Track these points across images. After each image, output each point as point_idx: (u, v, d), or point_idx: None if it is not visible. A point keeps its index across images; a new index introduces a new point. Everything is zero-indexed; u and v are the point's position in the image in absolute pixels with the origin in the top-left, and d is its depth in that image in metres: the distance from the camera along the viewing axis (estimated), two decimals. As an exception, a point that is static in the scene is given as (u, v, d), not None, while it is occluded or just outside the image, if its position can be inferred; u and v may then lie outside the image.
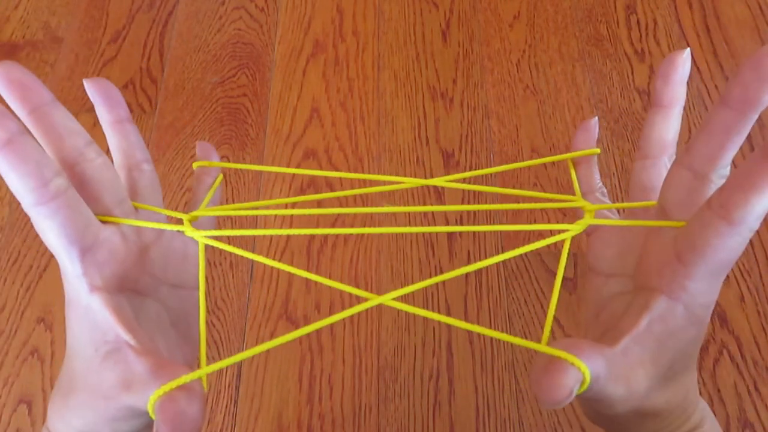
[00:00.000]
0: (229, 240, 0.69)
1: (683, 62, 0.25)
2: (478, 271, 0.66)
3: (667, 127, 0.26)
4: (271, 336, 0.64)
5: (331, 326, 0.64)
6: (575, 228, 0.25)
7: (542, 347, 0.21)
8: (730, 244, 0.20)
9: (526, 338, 0.63)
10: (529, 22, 0.83)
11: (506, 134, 0.75)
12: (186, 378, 0.21)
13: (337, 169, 0.73)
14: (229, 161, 0.74)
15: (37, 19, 0.85)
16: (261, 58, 0.82)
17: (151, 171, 0.28)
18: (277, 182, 0.72)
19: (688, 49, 0.25)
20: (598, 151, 0.30)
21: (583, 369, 0.20)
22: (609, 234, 0.27)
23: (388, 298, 0.23)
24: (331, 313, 0.65)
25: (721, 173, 0.22)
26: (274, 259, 0.68)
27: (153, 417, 0.21)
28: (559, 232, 0.25)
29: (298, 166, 0.74)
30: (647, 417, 0.23)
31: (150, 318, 0.26)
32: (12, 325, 0.65)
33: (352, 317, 0.64)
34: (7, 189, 0.72)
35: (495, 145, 0.74)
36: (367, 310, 0.64)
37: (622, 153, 0.73)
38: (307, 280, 0.66)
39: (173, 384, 0.21)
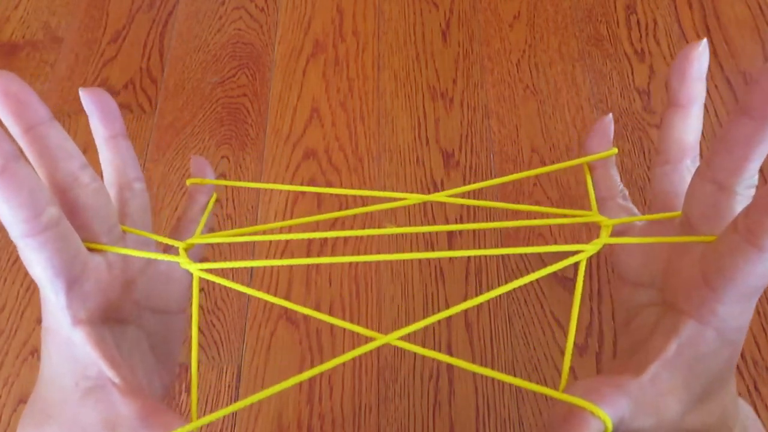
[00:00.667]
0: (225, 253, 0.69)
1: (699, 56, 0.22)
2: (478, 272, 0.66)
3: (687, 128, 0.24)
4: (271, 336, 0.64)
5: (331, 327, 0.64)
6: (590, 248, 0.23)
7: (559, 395, 0.20)
8: (761, 269, 0.19)
9: (525, 339, 0.63)
10: (529, 22, 0.83)
11: (506, 134, 0.75)
12: (182, 430, 0.21)
13: (337, 169, 0.73)
14: (229, 161, 0.74)
15: (37, 19, 0.85)
16: (261, 58, 0.82)
17: (142, 190, 0.26)
18: (277, 181, 0.72)
19: (705, 40, 0.23)
20: (616, 150, 0.27)
21: (604, 418, 0.19)
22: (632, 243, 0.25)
23: (393, 338, 0.22)
24: (330, 313, 0.65)
25: (747, 183, 0.21)
26: (273, 260, 0.68)
27: None
28: (574, 252, 0.23)
29: (298, 167, 0.74)
30: None
31: (130, 344, 0.25)
32: (12, 325, 0.65)
33: (351, 317, 0.64)
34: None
35: (495, 145, 0.74)
36: (366, 308, 0.64)
37: (622, 153, 0.73)
38: (307, 280, 0.66)
39: None
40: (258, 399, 0.21)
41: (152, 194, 0.72)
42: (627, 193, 0.27)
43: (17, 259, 0.68)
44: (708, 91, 0.77)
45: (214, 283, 0.67)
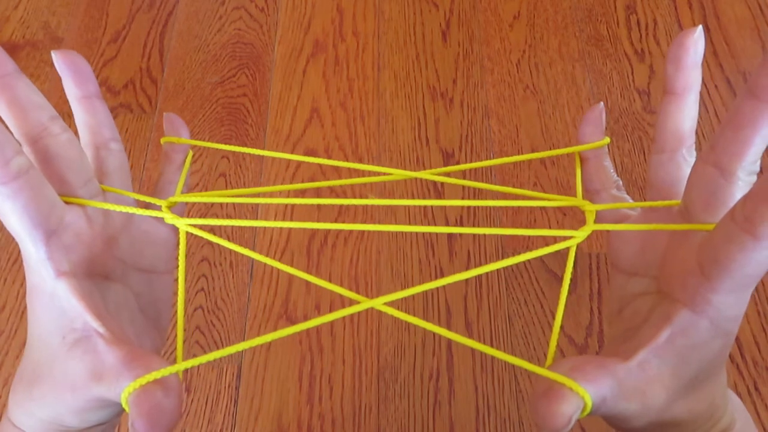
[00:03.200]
0: (228, 239, 0.69)
1: (695, 43, 0.22)
2: (478, 271, 0.66)
3: (683, 116, 0.24)
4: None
5: (331, 326, 0.64)
6: (580, 234, 0.23)
7: (543, 371, 0.21)
8: (757, 258, 0.18)
9: (525, 339, 0.63)
10: (529, 22, 0.83)
11: (506, 134, 0.75)
12: (163, 372, 0.20)
13: (337, 169, 0.73)
14: (228, 161, 0.74)
15: (37, 19, 0.85)
16: (261, 58, 0.82)
17: (120, 151, 0.26)
18: (277, 182, 0.73)
19: (700, 26, 0.22)
20: (608, 140, 0.27)
21: (583, 395, 0.19)
22: (630, 232, 0.25)
23: (379, 302, 0.22)
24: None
25: (749, 169, 0.20)
26: (274, 260, 0.68)
27: (127, 410, 0.20)
28: (564, 238, 0.23)
29: (298, 167, 0.74)
30: (668, 428, 0.22)
31: (118, 304, 0.25)
32: (12, 325, 0.65)
33: (352, 317, 0.64)
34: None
35: (495, 145, 0.74)
36: (367, 310, 0.64)
37: (622, 153, 0.73)
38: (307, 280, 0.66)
39: (149, 377, 0.20)
40: (259, 343, 0.21)
41: (152, 194, 0.72)
42: (621, 183, 0.27)
43: (17, 258, 0.68)
44: (708, 92, 0.77)
45: (214, 283, 0.67)
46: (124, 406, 0.20)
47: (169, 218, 0.25)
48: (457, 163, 0.73)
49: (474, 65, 0.80)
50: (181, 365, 0.21)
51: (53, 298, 0.22)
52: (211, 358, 0.21)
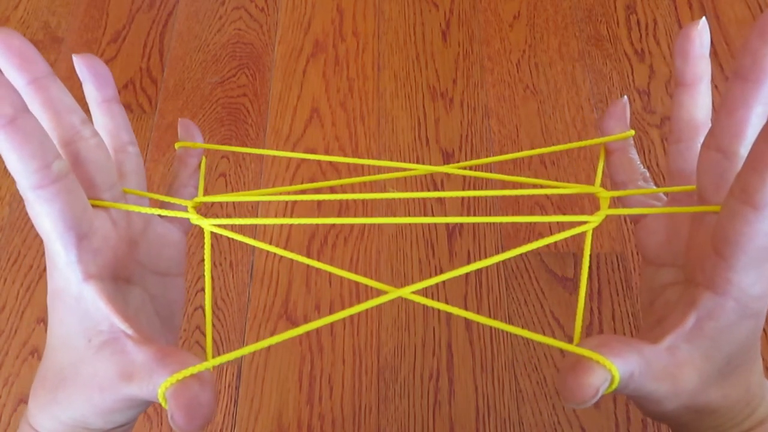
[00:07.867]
0: (230, 239, 0.69)
1: (700, 34, 0.23)
2: (478, 271, 0.66)
3: (696, 105, 0.25)
4: (271, 336, 0.64)
5: (331, 326, 0.64)
6: (594, 219, 0.24)
7: (571, 347, 0.21)
8: (762, 229, 0.19)
9: (525, 338, 0.63)
10: (529, 22, 0.83)
11: (506, 134, 0.75)
12: (199, 367, 0.21)
13: (337, 170, 0.73)
14: (229, 161, 0.74)
15: (37, 19, 0.85)
16: (261, 58, 0.82)
17: (137, 154, 0.27)
18: (277, 182, 0.73)
19: (704, 18, 0.23)
20: (633, 132, 0.27)
21: (610, 368, 0.20)
22: (654, 223, 0.25)
23: (407, 291, 0.22)
24: (331, 313, 0.65)
25: None
26: (273, 260, 0.68)
27: (164, 405, 0.20)
28: (577, 225, 0.23)
29: (298, 167, 0.74)
30: (703, 413, 0.22)
31: (137, 306, 0.25)
32: (12, 325, 0.65)
33: (351, 317, 0.64)
34: (7, 189, 0.72)
35: (495, 145, 0.74)
36: (366, 310, 0.64)
37: (622, 153, 0.73)
38: (307, 280, 0.66)
39: (186, 372, 0.20)
40: (271, 343, 0.22)
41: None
42: (648, 174, 0.27)
43: (17, 259, 0.68)
44: (708, 91, 0.77)
45: (214, 283, 0.67)
46: (160, 400, 0.21)
47: (195, 219, 0.25)
48: (457, 163, 0.73)
49: (474, 65, 0.80)
50: (215, 360, 0.22)
51: (79, 301, 0.22)
52: (246, 352, 0.22)
